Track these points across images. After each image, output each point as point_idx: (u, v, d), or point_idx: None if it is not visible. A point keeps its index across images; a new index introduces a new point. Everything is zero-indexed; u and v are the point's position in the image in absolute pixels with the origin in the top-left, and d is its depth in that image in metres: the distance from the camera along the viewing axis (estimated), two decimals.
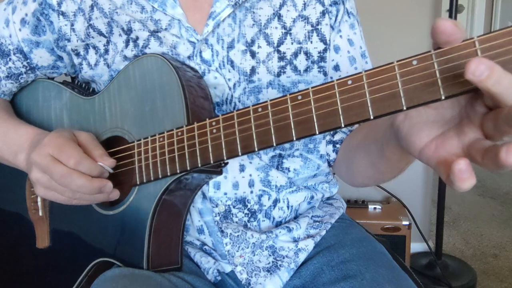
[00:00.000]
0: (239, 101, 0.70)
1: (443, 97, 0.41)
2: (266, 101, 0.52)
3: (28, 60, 0.76)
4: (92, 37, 0.71)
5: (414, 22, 1.82)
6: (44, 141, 0.63)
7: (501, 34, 0.38)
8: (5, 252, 0.83)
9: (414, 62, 0.42)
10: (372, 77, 0.44)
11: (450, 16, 1.69)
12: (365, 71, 0.45)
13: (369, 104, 0.44)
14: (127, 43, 0.70)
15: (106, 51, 0.71)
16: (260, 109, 0.52)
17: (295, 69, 0.72)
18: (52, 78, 0.80)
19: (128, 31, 0.70)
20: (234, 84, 0.70)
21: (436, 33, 0.39)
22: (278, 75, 0.71)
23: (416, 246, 1.93)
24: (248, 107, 0.53)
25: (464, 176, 0.38)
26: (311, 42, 0.72)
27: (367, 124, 0.68)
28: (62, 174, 0.60)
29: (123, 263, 0.67)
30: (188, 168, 0.59)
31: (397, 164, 0.58)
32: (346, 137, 0.77)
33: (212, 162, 0.56)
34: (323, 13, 0.72)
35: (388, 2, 1.80)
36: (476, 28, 3.65)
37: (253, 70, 0.70)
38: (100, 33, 0.71)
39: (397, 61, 0.43)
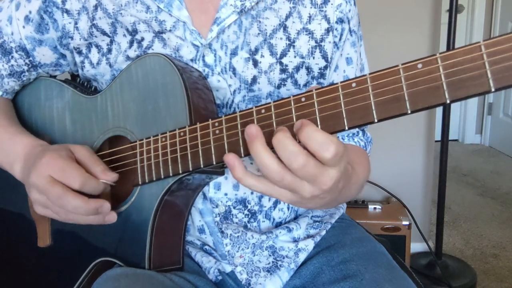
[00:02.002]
0: (238, 108, 0.71)
1: (448, 101, 0.41)
2: (270, 103, 0.51)
3: (31, 58, 0.76)
4: (95, 36, 0.71)
5: (414, 22, 1.82)
6: (42, 161, 0.62)
7: (507, 39, 0.38)
8: (6, 251, 0.83)
9: (419, 66, 0.42)
10: (377, 80, 0.44)
11: (450, 16, 1.69)
12: (370, 73, 0.45)
13: (373, 107, 0.44)
14: (131, 43, 0.70)
15: (109, 50, 0.71)
16: (263, 111, 0.52)
17: (295, 83, 0.72)
18: (55, 76, 0.80)
19: (133, 32, 0.70)
20: (234, 91, 0.70)
21: None
22: (279, 87, 0.71)
23: (416, 246, 1.93)
24: (251, 108, 0.53)
25: None
26: (314, 58, 0.72)
27: None
28: (58, 195, 0.60)
29: (125, 263, 0.67)
30: (191, 169, 0.59)
31: None
32: None
33: (214, 162, 0.56)
34: (327, 31, 0.73)
35: (388, 2, 1.80)
36: (476, 28, 3.65)
37: (254, 79, 0.70)
38: (104, 33, 0.71)
39: (402, 64, 0.43)
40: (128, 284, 0.60)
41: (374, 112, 0.44)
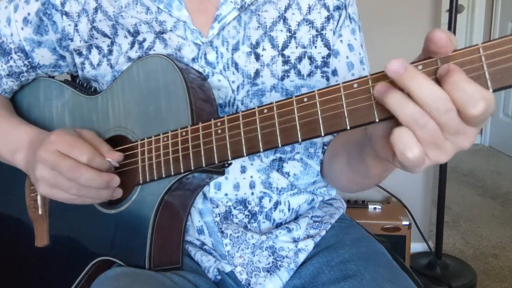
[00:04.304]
0: (242, 104, 0.71)
1: None
2: (272, 103, 0.52)
3: (30, 59, 0.76)
4: (96, 38, 0.71)
5: (414, 22, 1.82)
6: (51, 138, 0.63)
7: (505, 41, 0.39)
8: (3, 251, 0.83)
9: (420, 67, 0.42)
10: (378, 80, 0.45)
11: (450, 16, 1.69)
12: (371, 74, 0.45)
13: (374, 107, 0.45)
14: (132, 44, 0.70)
15: (110, 51, 0.71)
16: (265, 111, 0.53)
17: (299, 74, 0.72)
18: (53, 77, 0.81)
19: (135, 33, 0.70)
20: (238, 87, 0.70)
21: (428, 41, 0.41)
22: (282, 79, 0.71)
23: (416, 246, 1.93)
24: (254, 108, 0.53)
25: None
26: (315, 47, 0.72)
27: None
28: (71, 167, 0.60)
29: (124, 262, 0.67)
30: (192, 168, 0.59)
31: (373, 169, 0.60)
32: (332, 139, 0.77)
33: (216, 162, 0.57)
34: (327, 18, 0.72)
35: (388, 2, 1.80)
36: (476, 28, 3.65)
37: (257, 73, 0.70)
38: (104, 35, 0.71)
39: None
40: (128, 284, 0.60)
41: (375, 112, 0.45)
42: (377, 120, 0.45)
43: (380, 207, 1.78)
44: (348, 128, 0.47)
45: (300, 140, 0.50)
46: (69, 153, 0.61)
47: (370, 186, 0.70)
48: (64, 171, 0.61)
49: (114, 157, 0.65)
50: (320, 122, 0.48)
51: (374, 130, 0.49)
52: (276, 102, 0.52)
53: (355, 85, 0.46)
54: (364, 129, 0.53)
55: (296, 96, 0.50)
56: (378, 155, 0.50)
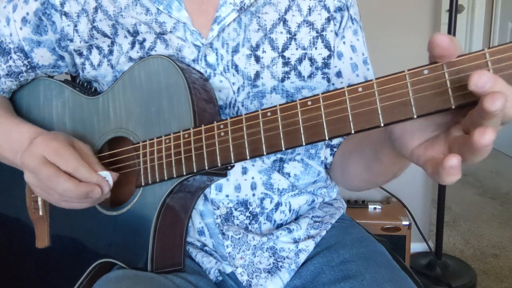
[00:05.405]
0: (243, 105, 0.71)
1: (453, 106, 0.41)
2: (275, 106, 0.52)
3: (29, 59, 0.76)
4: (96, 38, 0.71)
5: (414, 22, 1.81)
6: (35, 142, 0.62)
7: (511, 47, 0.39)
8: (4, 252, 0.82)
9: (425, 72, 0.42)
10: (383, 85, 0.45)
11: (450, 16, 1.69)
12: (376, 78, 0.45)
13: (379, 112, 0.45)
14: (132, 44, 0.70)
15: (111, 52, 0.71)
16: (269, 114, 0.52)
17: (299, 75, 0.72)
18: (52, 77, 0.80)
19: (135, 33, 0.70)
20: (238, 88, 0.70)
21: (432, 46, 0.41)
22: (282, 80, 0.71)
23: (416, 246, 1.93)
24: (257, 111, 0.53)
25: (453, 172, 0.40)
26: (316, 48, 0.72)
27: None
28: (49, 176, 0.60)
29: (126, 264, 0.67)
30: (195, 170, 0.59)
31: (391, 168, 0.60)
32: (343, 141, 0.77)
33: (219, 165, 0.57)
34: (328, 20, 0.72)
35: (388, 3, 1.80)
36: (476, 28, 3.65)
37: (257, 75, 0.70)
38: (105, 35, 0.71)
39: (408, 70, 0.43)
40: (129, 286, 0.60)
41: (380, 116, 0.45)
42: (382, 125, 0.45)
43: (380, 207, 1.78)
44: (353, 132, 0.47)
45: (304, 144, 0.50)
46: (54, 161, 0.61)
47: (382, 184, 0.71)
48: (43, 179, 0.60)
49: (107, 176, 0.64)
50: (324, 126, 0.48)
51: (405, 125, 0.47)
52: (279, 105, 0.51)
53: (360, 89, 0.46)
54: (384, 129, 0.51)
55: (300, 100, 0.50)
56: (399, 148, 0.49)
